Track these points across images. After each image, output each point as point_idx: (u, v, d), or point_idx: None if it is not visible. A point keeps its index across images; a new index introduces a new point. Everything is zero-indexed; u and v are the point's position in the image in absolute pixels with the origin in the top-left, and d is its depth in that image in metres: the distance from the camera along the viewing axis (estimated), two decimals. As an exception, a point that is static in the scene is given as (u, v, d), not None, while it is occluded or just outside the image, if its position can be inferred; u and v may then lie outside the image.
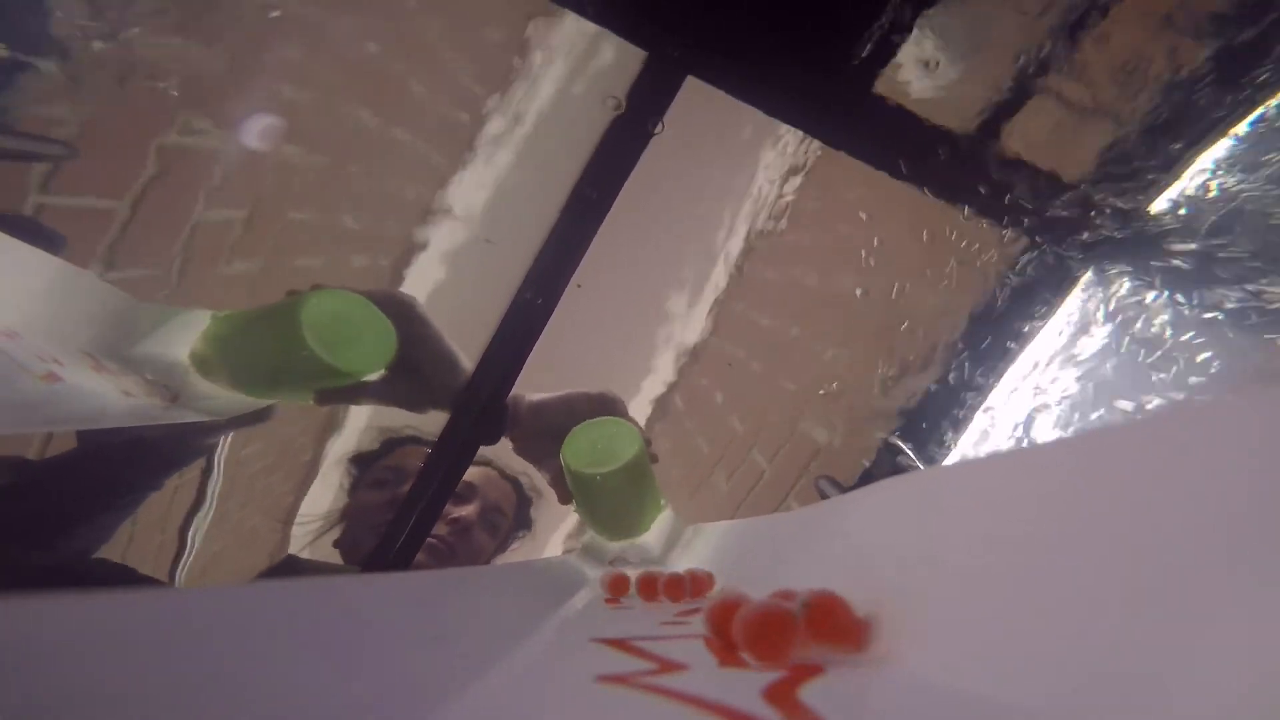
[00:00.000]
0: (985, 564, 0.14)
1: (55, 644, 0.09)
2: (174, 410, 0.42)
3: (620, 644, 0.20)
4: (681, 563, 0.46)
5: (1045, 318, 0.81)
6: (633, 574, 0.33)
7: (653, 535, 0.53)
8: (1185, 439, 0.11)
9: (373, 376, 0.48)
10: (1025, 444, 0.88)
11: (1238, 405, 0.10)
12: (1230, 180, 0.65)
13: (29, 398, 0.32)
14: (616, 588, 0.33)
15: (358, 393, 0.51)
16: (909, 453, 0.89)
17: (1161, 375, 0.75)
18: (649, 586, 0.32)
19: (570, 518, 0.59)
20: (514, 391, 0.57)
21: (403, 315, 0.49)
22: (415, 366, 0.51)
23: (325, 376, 0.46)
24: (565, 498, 0.55)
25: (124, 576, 0.53)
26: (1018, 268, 0.79)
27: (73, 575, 0.49)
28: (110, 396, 0.38)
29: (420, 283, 1.03)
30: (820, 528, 0.24)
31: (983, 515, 0.15)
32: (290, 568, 0.68)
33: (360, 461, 0.72)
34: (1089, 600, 0.11)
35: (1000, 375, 0.86)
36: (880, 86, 0.61)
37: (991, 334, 0.84)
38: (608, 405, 0.56)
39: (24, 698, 0.08)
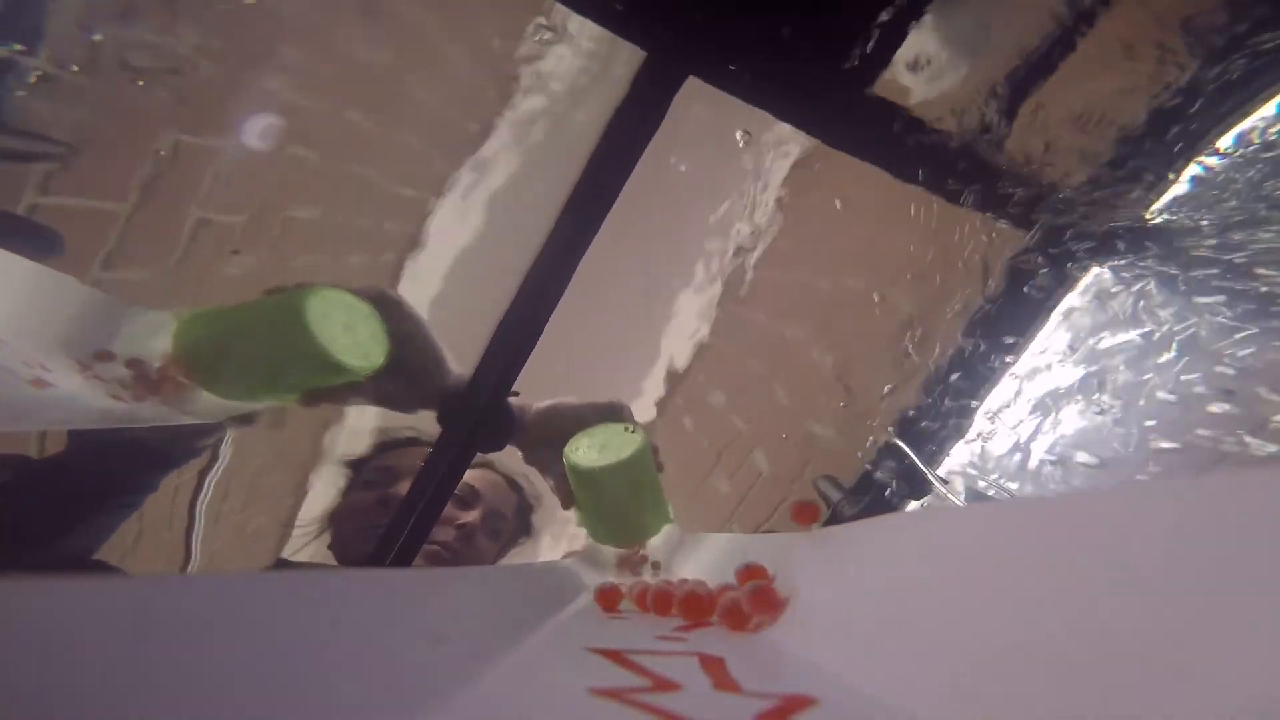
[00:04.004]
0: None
1: (46, 627, 0.09)
2: (164, 412, 0.42)
3: (615, 656, 0.20)
4: (682, 572, 0.45)
5: (1045, 317, 0.81)
6: (626, 587, 0.32)
7: (653, 543, 0.53)
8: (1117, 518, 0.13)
9: (368, 372, 0.48)
10: (1022, 444, 0.88)
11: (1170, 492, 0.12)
12: (1231, 181, 0.65)
13: (19, 402, 0.32)
14: (609, 600, 0.31)
15: (347, 393, 0.51)
16: (909, 453, 0.88)
17: (1159, 374, 0.74)
18: (642, 599, 0.30)
19: (570, 524, 0.58)
20: (521, 399, 0.57)
21: (391, 313, 0.49)
22: (404, 365, 0.51)
23: (325, 375, 0.45)
24: (568, 502, 0.55)
25: None
26: (1017, 267, 0.79)
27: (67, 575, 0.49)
28: (99, 400, 0.38)
29: (420, 283, 1.03)
30: (822, 551, 0.24)
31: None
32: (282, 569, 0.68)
33: (354, 464, 0.72)
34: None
35: (1000, 375, 0.86)
36: (880, 86, 0.61)
37: (991, 333, 0.84)
38: (615, 413, 0.56)
39: (14, 677, 0.08)
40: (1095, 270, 0.76)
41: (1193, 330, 0.70)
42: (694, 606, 0.26)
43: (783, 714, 0.13)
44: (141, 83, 0.79)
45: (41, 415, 0.35)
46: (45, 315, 0.40)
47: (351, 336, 0.46)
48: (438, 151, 1.00)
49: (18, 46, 0.69)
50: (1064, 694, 0.10)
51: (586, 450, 0.52)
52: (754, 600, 0.25)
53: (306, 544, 0.71)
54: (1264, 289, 0.64)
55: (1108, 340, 0.79)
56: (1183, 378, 0.72)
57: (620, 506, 0.53)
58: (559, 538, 0.77)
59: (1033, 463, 0.89)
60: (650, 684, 0.16)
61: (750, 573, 0.27)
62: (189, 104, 0.84)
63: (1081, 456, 0.83)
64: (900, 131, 0.64)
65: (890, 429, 0.92)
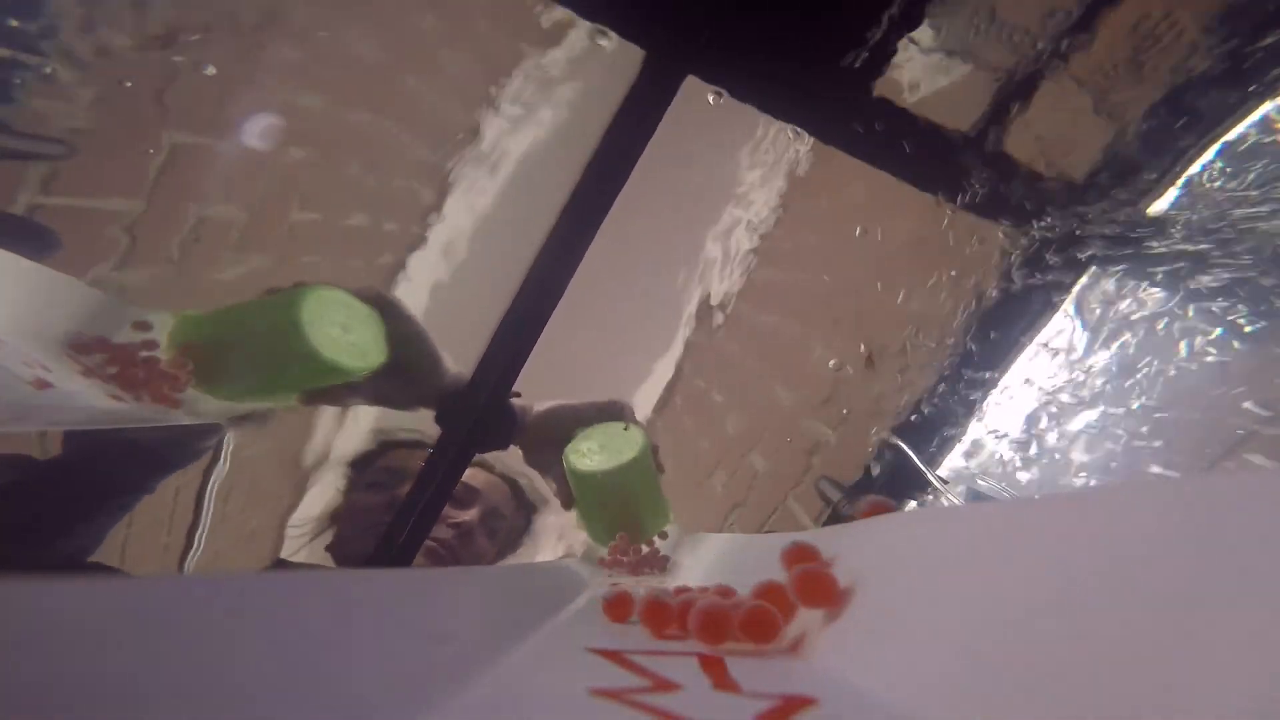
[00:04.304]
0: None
1: (49, 627, 0.09)
2: (164, 413, 0.42)
3: (615, 656, 0.20)
4: (682, 572, 0.45)
5: (1044, 317, 0.81)
6: (638, 596, 0.26)
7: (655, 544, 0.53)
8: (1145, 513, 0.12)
9: (361, 375, 0.48)
10: (1022, 445, 0.88)
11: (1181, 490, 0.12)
12: (1230, 181, 0.65)
13: (20, 403, 0.32)
14: (618, 610, 0.26)
15: (344, 393, 0.51)
16: (909, 452, 0.88)
17: (1158, 373, 0.74)
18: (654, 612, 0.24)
19: (570, 523, 0.58)
20: (522, 399, 0.57)
21: (387, 313, 0.49)
22: (401, 365, 0.51)
23: (321, 375, 0.46)
24: (568, 503, 0.55)
25: None
26: (1017, 267, 0.79)
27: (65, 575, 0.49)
28: (100, 400, 0.38)
29: (420, 283, 1.03)
30: (825, 549, 0.24)
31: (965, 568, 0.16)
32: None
33: (357, 464, 0.72)
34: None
35: (999, 375, 0.86)
36: (881, 86, 0.61)
37: (990, 333, 0.84)
38: (616, 413, 0.56)
39: (17, 677, 0.08)
40: (1096, 270, 0.76)
41: (1194, 331, 0.70)
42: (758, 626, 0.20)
43: (783, 714, 0.13)
44: (129, 84, 0.79)
45: (42, 416, 0.35)
46: (46, 315, 0.39)
47: (348, 337, 0.46)
48: (437, 151, 1.00)
49: (14, 22, 0.68)
50: (1067, 694, 0.10)
51: (586, 453, 0.52)
52: (802, 586, 0.20)
53: (305, 544, 0.71)
54: (1265, 293, 0.64)
55: (1107, 341, 0.79)
56: (1183, 378, 0.72)
57: (620, 508, 0.53)
58: (559, 537, 0.77)
59: (1032, 462, 0.89)
60: (650, 684, 0.16)
61: (801, 554, 0.22)
62: (189, 104, 0.84)
63: (1081, 457, 0.83)
64: (901, 131, 0.64)
65: (890, 429, 0.92)
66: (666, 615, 0.23)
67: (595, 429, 0.54)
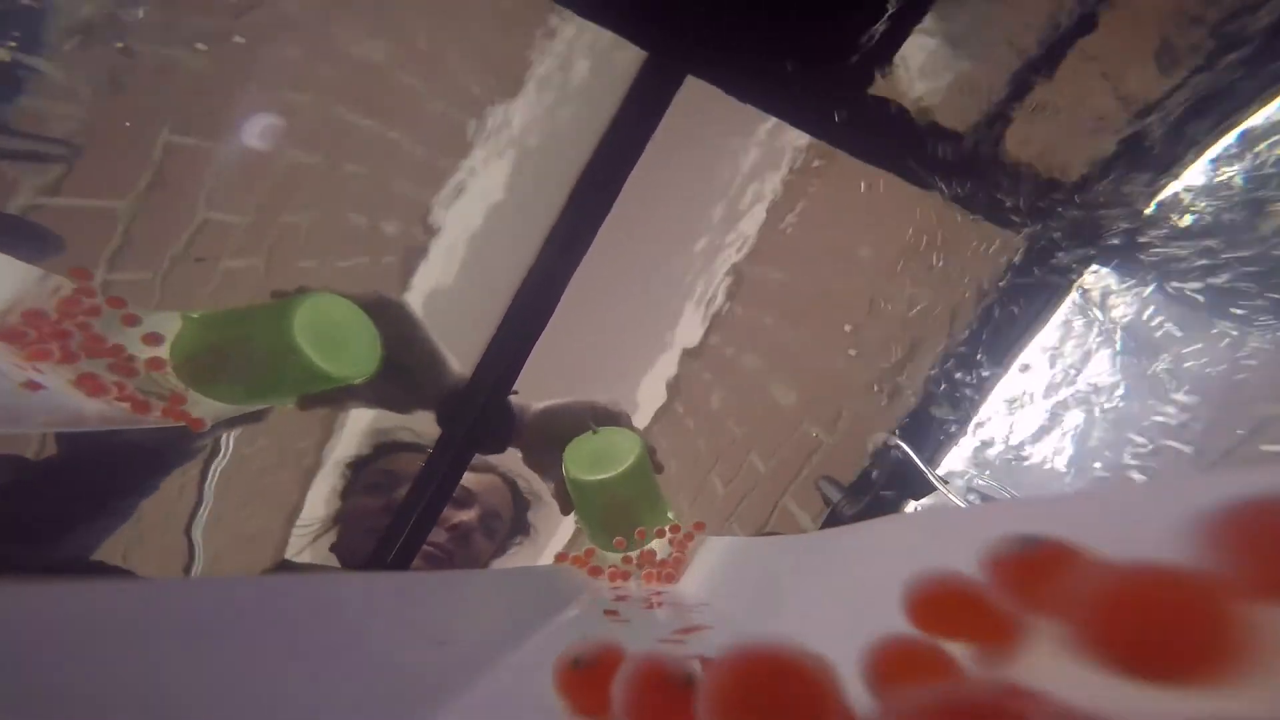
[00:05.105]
0: None
1: (53, 629, 0.09)
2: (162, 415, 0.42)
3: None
4: (689, 573, 0.45)
5: (1044, 317, 0.81)
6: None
7: (653, 548, 0.53)
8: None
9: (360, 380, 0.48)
10: (1022, 445, 0.88)
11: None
12: (1229, 181, 0.65)
13: (12, 405, 0.32)
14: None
15: (344, 396, 0.51)
16: (909, 452, 0.88)
17: (1160, 371, 0.74)
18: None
19: (569, 523, 0.58)
20: (520, 400, 0.56)
21: (390, 316, 0.49)
22: (403, 368, 0.51)
23: (315, 382, 0.45)
24: (567, 508, 0.55)
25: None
26: (1016, 267, 0.79)
27: (71, 577, 0.49)
28: (93, 402, 0.37)
29: (420, 284, 1.03)
30: (822, 555, 0.24)
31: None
32: (286, 572, 0.68)
33: (355, 465, 0.72)
34: None
35: (999, 374, 0.86)
36: (881, 86, 0.61)
37: (990, 333, 0.84)
38: (613, 415, 0.56)
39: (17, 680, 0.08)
40: (1097, 269, 0.76)
41: (1196, 329, 0.70)
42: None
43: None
44: (143, 83, 0.79)
45: (35, 418, 0.35)
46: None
47: (343, 343, 0.46)
48: (438, 153, 1.00)
49: (13, 44, 0.69)
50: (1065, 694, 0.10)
51: (584, 461, 0.52)
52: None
53: (306, 545, 0.71)
54: (1261, 297, 0.64)
55: (1108, 339, 0.79)
56: (1184, 376, 0.72)
57: (619, 514, 0.52)
58: (558, 536, 0.77)
59: (1032, 463, 0.89)
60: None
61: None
62: (191, 105, 0.84)
63: (1082, 457, 0.83)
64: (901, 131, 0.64)
65: (890, 429, 0.92)
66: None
67: (593, 435, 0.54)
